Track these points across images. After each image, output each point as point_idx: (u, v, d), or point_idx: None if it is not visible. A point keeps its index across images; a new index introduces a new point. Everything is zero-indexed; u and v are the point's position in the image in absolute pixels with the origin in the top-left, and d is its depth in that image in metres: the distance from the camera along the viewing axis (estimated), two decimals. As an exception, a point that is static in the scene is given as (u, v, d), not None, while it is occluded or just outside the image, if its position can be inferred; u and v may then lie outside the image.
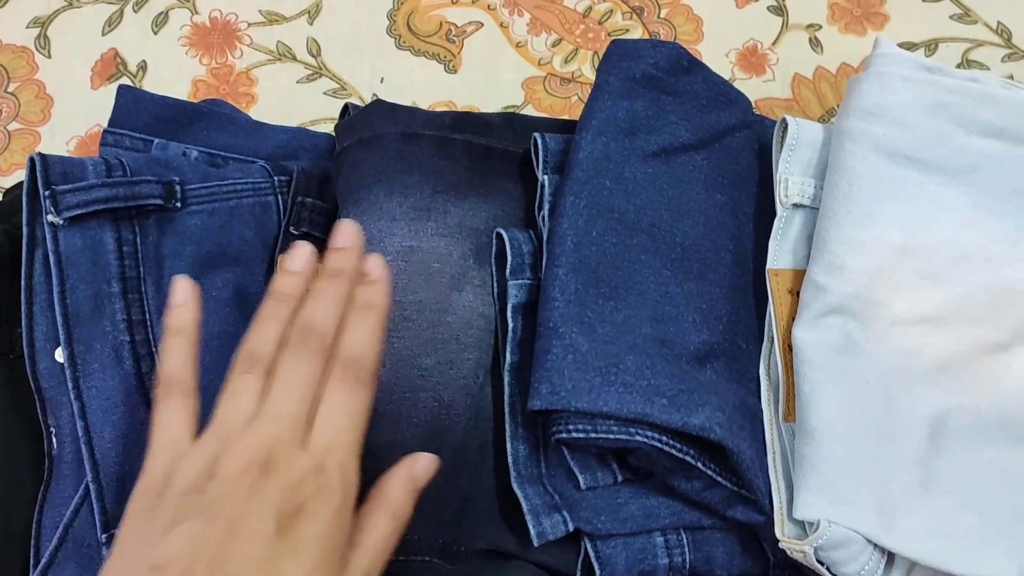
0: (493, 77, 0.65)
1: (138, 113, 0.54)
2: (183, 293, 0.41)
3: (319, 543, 0.34)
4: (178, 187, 0.49)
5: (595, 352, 0.44)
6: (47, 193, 0.45)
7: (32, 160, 0.46)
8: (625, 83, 0.51)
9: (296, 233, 0.50)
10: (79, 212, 0.45)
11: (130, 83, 0.63)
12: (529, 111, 0.64)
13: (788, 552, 0.44)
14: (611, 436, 0.43)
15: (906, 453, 0.45)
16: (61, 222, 0.45)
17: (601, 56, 0.52)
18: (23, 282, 0.46)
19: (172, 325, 0.41)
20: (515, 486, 0.44)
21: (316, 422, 0.37)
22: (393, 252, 0.48)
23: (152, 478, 0.37)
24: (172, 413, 0.39)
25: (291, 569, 0.33)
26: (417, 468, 0.40)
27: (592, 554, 0.44)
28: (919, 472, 0.45)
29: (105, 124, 0.61)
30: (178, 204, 0.48)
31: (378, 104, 0.51)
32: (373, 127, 0.50)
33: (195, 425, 0.39)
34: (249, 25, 0.66)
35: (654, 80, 0.51)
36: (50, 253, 0.45)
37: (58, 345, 0.46)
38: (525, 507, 0.43)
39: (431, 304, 0.48)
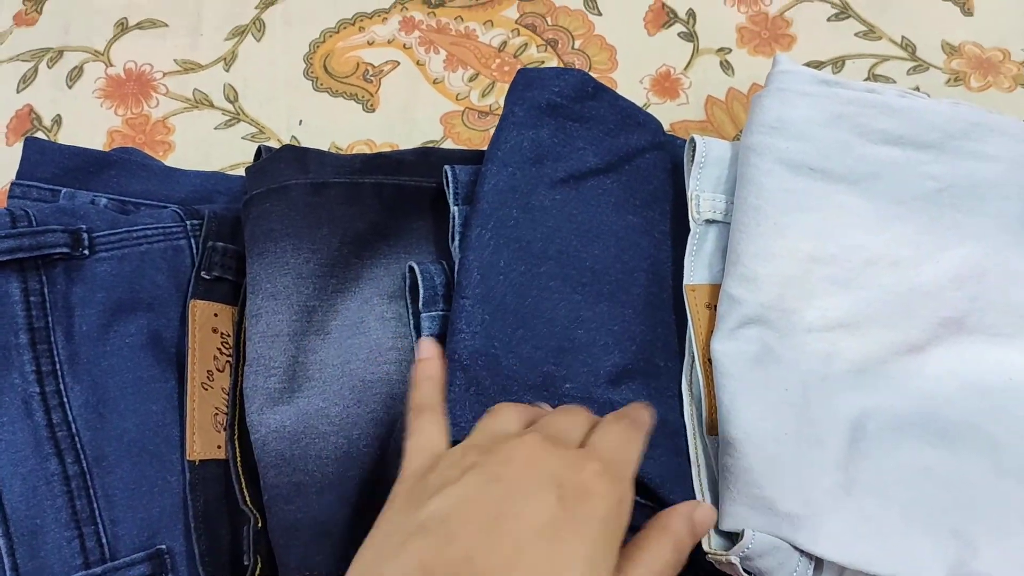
0: (411, 114, 0.66)
1: (45, 164, 0.53)
2: (429, 349, 0.44)
3: (602, 524, 0.33)
4: (85, 235, 0.48)
5: (497, 387, 0.44)
6: (-52, 247, 0.45)
7: (-68, 214, 0.45)
8: (531, 112, 0.51)
9: (208, 277, 0.50)
10: (-18, 264, 0.45)
11: (46, 138, 0.63)
12: (448, 145, 0.64)
13: (716, 564, 0.44)
14: None
15: (828, 457, 0.45)
16: (-36, 275, 0.45)
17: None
18: (-74, 338, 0.45)
19: (421, 374, 0.42)
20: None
21: (592, 438, 0.37)
22: (296, 309, 0.48)
23: (411, 474, 0.37)
24: (427, 423, 0.39)
25: (571, 539, 0.32)
26: (699, 514, 0.39)
27: None
28: (841, 475, 0.45)
29: (19, 180, 0.61)
30: (86, 252, 0.48)
31: (287, 150, 0.51)
32: (281, 176, 0.50)
33: (448, 437, 0.39)
34: (164, 74, 0.66)
35: (559, 108, 0.52)
36: (-47, 308, 0.44)
37: (-35, 401, 0.45)
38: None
39: (331, 361, 0.48)
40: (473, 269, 0.46)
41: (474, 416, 0.43)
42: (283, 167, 0.50)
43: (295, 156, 0.51)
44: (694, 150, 0.53)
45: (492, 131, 0.64)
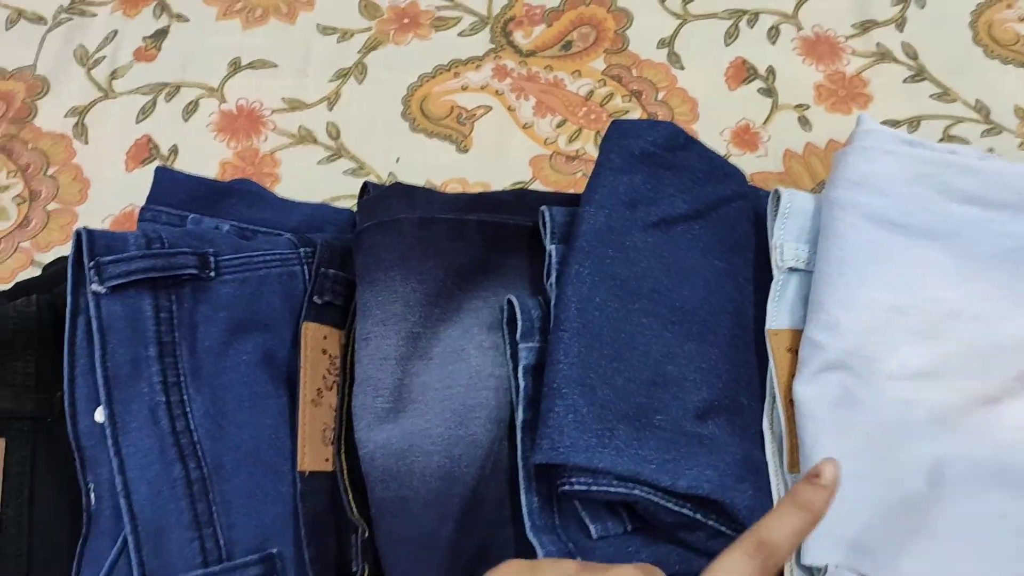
0: (502, 156, 0.69)
1: (174, 191, 0.58)
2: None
3: None
4: (212, 258, 0.52)
5: (593, 415, 0.47)
6: (91, 264, 0.48)
7: (78, 234, 0.49)
8: (625, 159, 0.55)
9: (319, 302, 0.54)
10: (120, 281, 0.49)
11: (162, 165, 0.67)
12: (537, 186, 0.67)
13: (796, 597, 0.46)
14: (611, 490, 0.45)
15: (906, 499, 0.47)
16: (103, 291, 0.48)
17: (603, 135, 0.56)
18: (66, 347, 0.49)
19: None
20: (530, 535, 0.46)
21: None
22: (403, 334, 0.51)
23: None
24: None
25: None
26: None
27: (607, 601, 0.46)
28: (919, 518, 0.47)
29: (138, 204, 0.65)
30: (212, 274, 0.52)
31: (397, 187, 0.55)
32: (392, 211, 0.53)
33: None
34: (273, 112, 0.71)
35: (652, 156, 0.55)
36: (92, 319, 0.48)
37: (97, 406, 0.48)
38: (541, 554, 0.45)
39: (434, 384, 0.51)
40: (571, 303, 0.49)
41: (571, 442, 0.45)
42: (394, 202, 0.53)
43: (405, 192, 0.54)
44: (778, 201, 0.56)
45: (579, 175, 0.68)
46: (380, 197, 0.54)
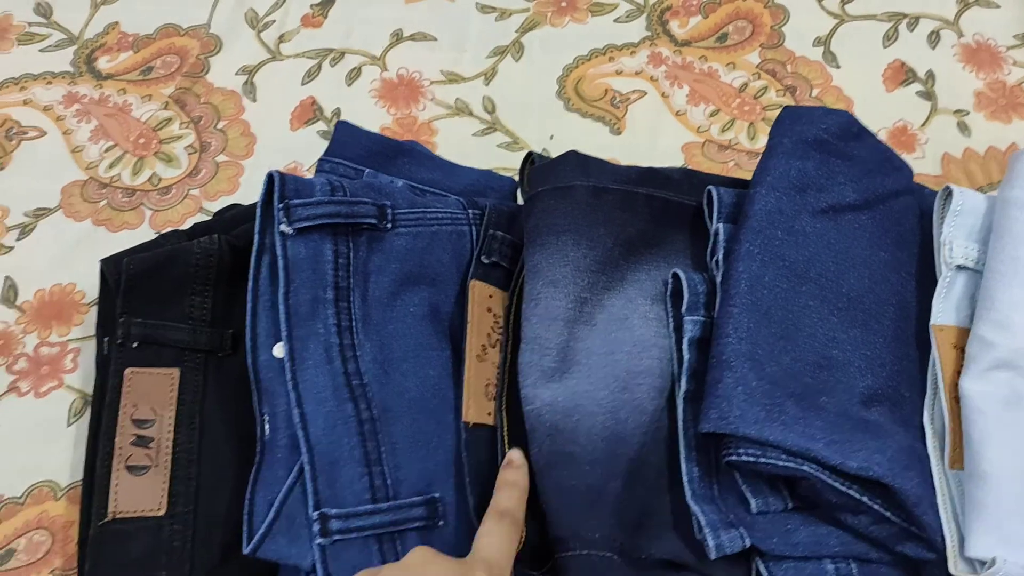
0: (654, 140, 0.70)
1: (352, 145, 0.60)
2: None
3: None
4: (390, 210, 0.54)
5: (762, 390, 0.47)
6: (281, 206, 0.50)
7: (270, 176, 0.51)
8: (798, 144, 0.55)
9: (486, 261, 0.55)
10: (306, 224, 0.50)
11: (326, 127, 0.70)
12: (689, 173, 0.68)
13: (960, 589, 0.45)
14: (779, 463, 0.45)
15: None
16: (291, 232, 0.50)
17: (775, 120, 0.56)
18: (250, 284, 0.51)
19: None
20: (691, 503, 0.47)
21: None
22: (572, 297, 0.52)
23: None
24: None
25: None
26: None
27: (765, 574, 0.46)
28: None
29: (300, 162, 0.67)
30: (389, 225, 0.53)
31: (572, 155, 0.56)
32: (566, 177, 0.54)
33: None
34: (431, 83, 0.72)
35: (825, 143, 0.55)
36: (279, 258, 0.50)
37: (276, 342, 0.50)
38: (703, 521, 0.46)
39: (597, 350, 0.51)
40: (741, 279, 0.50)
41: (741, 413, 0.46)
42: (569, 169, 0.54)
43: (579, 161, 0.55)
44: (949, 198, 0.55)
45: (730, 164, 0.68)
46: (555, 163, 0.55)
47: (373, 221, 0.53)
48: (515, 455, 0.49)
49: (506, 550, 0.43)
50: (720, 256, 0.53)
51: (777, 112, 0.69)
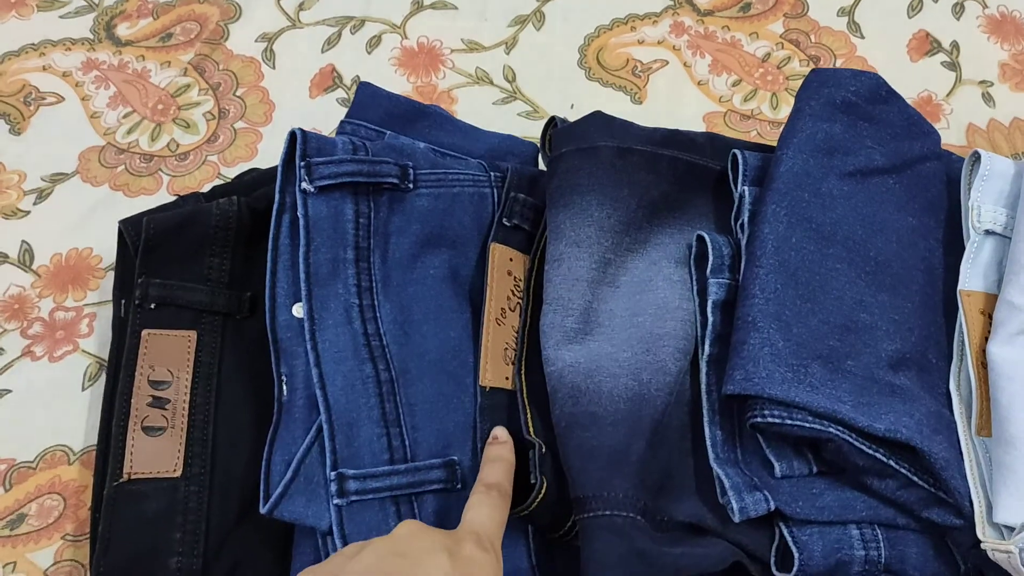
0: (676, 110, 0.69)
1: (374, 107, 0.59)
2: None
3: None
4: (411, 170, 0.53)
5: (789, 351, 0.46)
6: (303, 164, 0.50)
7: (293, 134, 0.51)
8: (825, 107, 0.54)
9: (508, 224, 0.54)
10: (328, 183, 0.50)
11: (345, 95, 0.69)
12: (710, 143, 0.67)
13: (989, 553, 0.44)
14: (805, 425, 0.45)
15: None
16: (312, 190, 0.50)
17: (803, 82, 0.55)
18: (270, 243, 0.50)
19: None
20: (714, 466, 0.46)
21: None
22: (596, 258, 0.51)
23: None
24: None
25: None
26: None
27: (789, 538, 0.45)
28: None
29: (320, 129, 0.67)
30: (410, 185, 0.53)
31: (598, 115, 0.55)
32: (591, 138, 0.54)
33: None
34: (452, 51, 0.72)
35: (852, 106, 0.54)
36: (300, 217, 0.50)
37: (296, 302, 0.50)
38: (727, 484, 0.45)
39: (620, 312, 0.51)
40: (768, 241, 0.49)
41: (767, 374, 0.45)
42: (593, 130, 0.54)
43: (605, 122, 0.54)
44: (976, 163, 0.55)
45: (753, 134, 0.67)
46: (580, 124, 0.54)
47: (395, 181, 0.52)
48: (500, 431, 0.49)
49: (496, 521, 0.43)
50: (745, 219, 0.52)
51: (800, 82, 0.68)
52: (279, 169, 0.51)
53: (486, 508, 0.43)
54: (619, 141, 0.53)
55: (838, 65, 0.71)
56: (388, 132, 0.58)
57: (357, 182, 0.51)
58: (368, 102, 0.59)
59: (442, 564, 0.38)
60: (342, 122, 0.59)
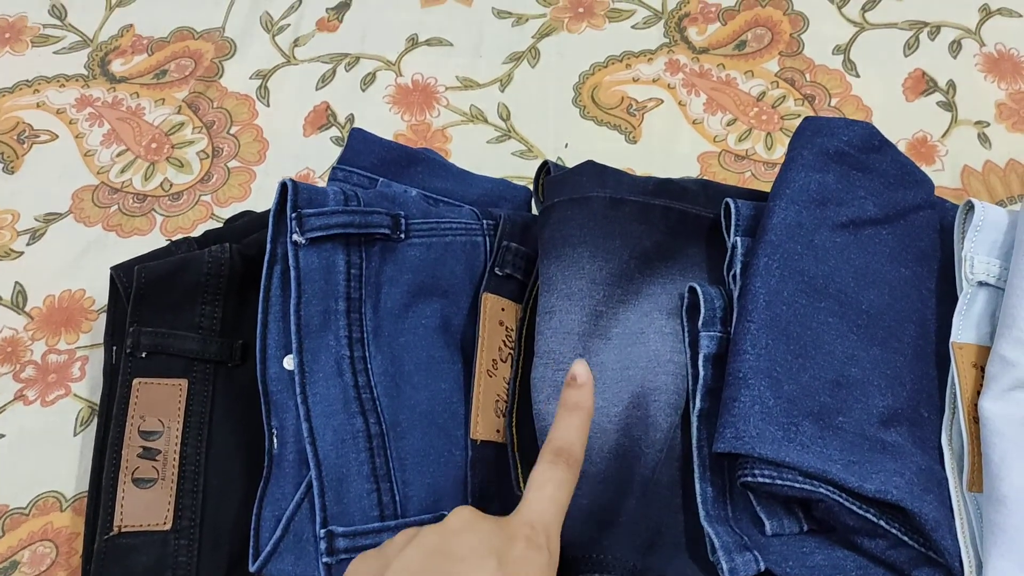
0: (670, 149, 0.69)
1: (367, 153, 0.59)
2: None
3: None
4: (403, 220, 0.53)
5: (779, 408, 0.46)
6: (294, 215, 0.50)
7: (283, 185, 0.50)
8: (818, 157, 0.54)
9: (500, 273, 0.54)
10: (319, 234, 0.50)
11: (339, 134, 0.69)
12: (704, 183, 0.67)
13: (979, 616, 0.44)
14: (795, 485, 0.45)
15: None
16: (303, 241, 0.50)
17: (796, 130, 0.55)
18: (261, 294, 0.50)
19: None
20: (705, 524, 0.46)
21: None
22: (587, 311, 0.51)
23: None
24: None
25: None
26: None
27: (780, 599, 0.45)
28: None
29: (313, 168, 0.67)
30: (402, 235, 0.53)
31: (589, 165, 0.55)
32: (583, 188, 0.53)
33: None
34: (446, 88, 0.72)
35: (845, 156, 0.54)
36: (291, 269, 0.49)
37: (287, 353, 0.50)
38: (717, 544, 0.45)
39: (612, 365, 0.51)
40: (759, 295, 0.49)
41: (758, 432, 0.45)
42: (585, 180, 0.54)
43: (597, 171, 0.54)
44: (970, 212, 0.54)
45: (747, 175, 0.67)
46: (571, 173, 0.54)
47: (387, 231, 0.52)
48: (580, 369, 0.44)
49: (558, 503, 0.40)
50: (737, 270, 0.52)
51: (795, 121, 0.68)
52: (270, 220, 0.51)
53: (549, 488, 0.41)
54: (611, 191, 0.53)
55: (833, 104, 0.71)
56: (380, 179, 0.58)
57: (349, 233, 0.51)
58: (360, 148, 0.59)
59: (488, 569, 0.36)
60: (334, 168, 0.59)
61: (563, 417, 0.43)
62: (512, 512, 0.40)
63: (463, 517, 0.39)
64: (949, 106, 0.71)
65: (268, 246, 0.51)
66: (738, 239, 0.53)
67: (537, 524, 0.39)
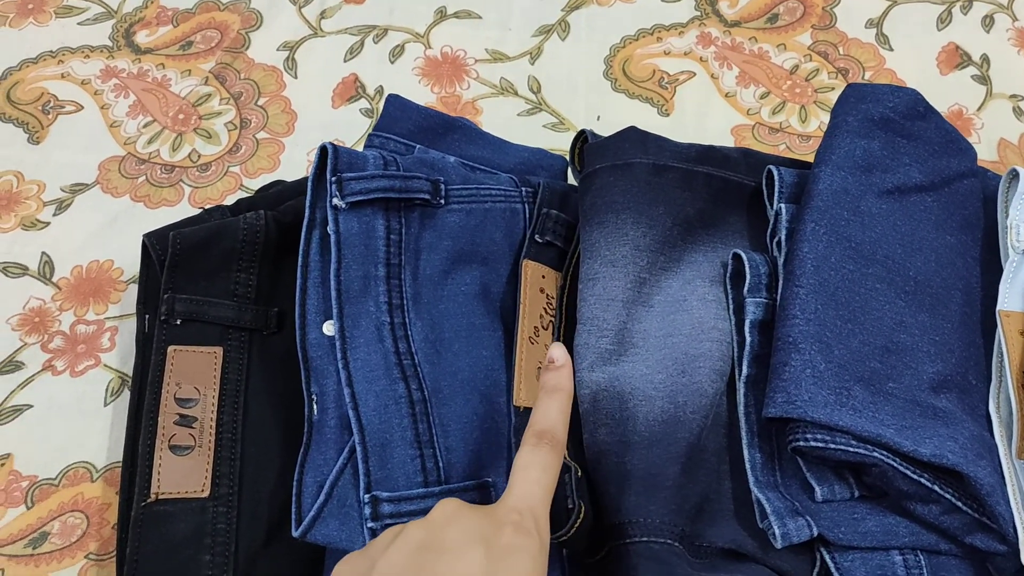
0: (703, 122, 0.68)
1: (403, 120, 0.58)
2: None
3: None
4: (443, 186, 0.52)
5: (831, 373, 0.45)
6: (334, 179, 0.49)
7: (323, 148, 0.50)
8: (863, 123, 0.53)
9: (540, 241, 0.53)
10: (359, 198, 0.49)
11: (368, 105, 0.68)
12: (738, 156, 0.66)
13: (1034, 582, 0.43)
14: (849, 449, 0.44)
15: None
16: (344, 206, 0.49)
17: (822, 106, 0.55)
18: (300, 259, 0.49)
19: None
20: (755, 490, 0.45)
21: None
22: (631, 278, 0.50)
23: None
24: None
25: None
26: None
27: (831, 564, 0.44)
28: None
29: (342, 139, 0.66)
30: (442, 201, 0.52)
31: (632, 131, 0.54)
32: (626, 154, 0.53)
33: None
34: (476, 61, 0.71)
35: (890, 122, 0.53)
36: (331, 233, 0.49)
37: (326, 319, 0.49)
38: (768, 509, 0.44)
39: (654, 332, 0.50)
40: (807, 260, 0.48)
41: (810, 397, 0.44)
42: (628, 146, 0.53)
43: (639, 137, 0.53)
44: (1012, 180, 0.54)
45: (781, 147, 0.67)
46: (613, 139, 0.54)
47: (426, 196, 0.51)
48: (557, 352, 0.45)
49: (544, 486, 0.40)
50: (783, 236, 0.51)
51: (829, 95, 0.68)
52: (309, 184, 0.50)
53: (533, 471, 0.40)
54: (654, 158, 0.52)
55: (867, 77, 0.70)
56: (417, 146, 0.57)
57: (388, 198, 0.50)
58: (397, 115, 0.58)
59: (475, 559, 0.35)
60: (371, 135, 0.58)
61: (543, 400, 0.44)
62: (498, 500, 0.40)
63: (447, 510, 0.38)
64: (983, 79, 0.70)
65: (307, 211, 0.50)
66: (782, 205, 0.52)
67: (524, 509, 0.39)
